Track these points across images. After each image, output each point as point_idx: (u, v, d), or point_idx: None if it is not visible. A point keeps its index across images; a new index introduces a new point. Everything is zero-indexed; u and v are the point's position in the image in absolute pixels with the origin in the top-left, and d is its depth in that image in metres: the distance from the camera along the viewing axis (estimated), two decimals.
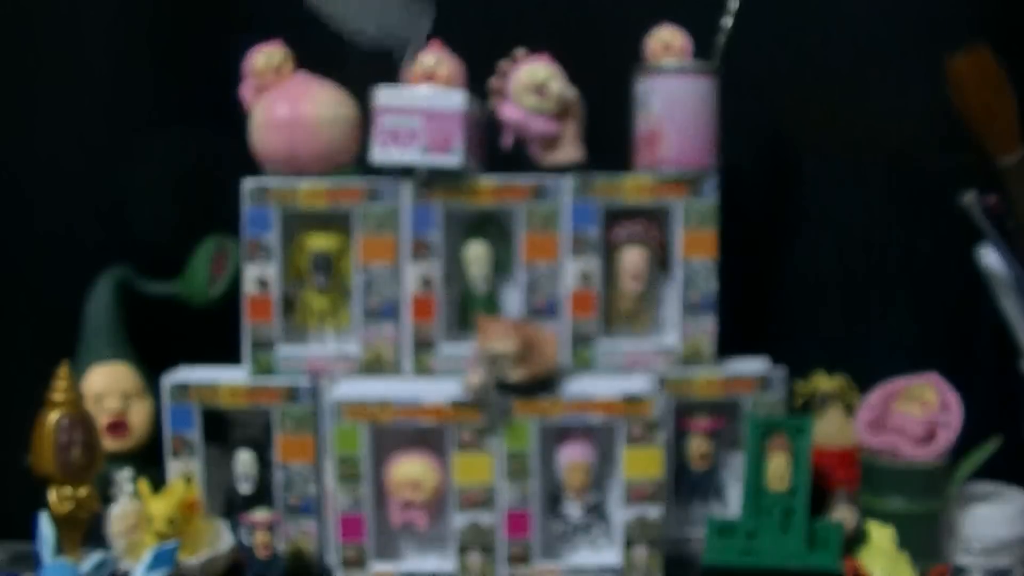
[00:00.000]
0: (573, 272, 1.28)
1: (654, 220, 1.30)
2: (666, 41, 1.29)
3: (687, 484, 1.32)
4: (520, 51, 1.29)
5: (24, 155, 1.41)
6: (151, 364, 1.35)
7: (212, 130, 1.39)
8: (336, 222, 1.29)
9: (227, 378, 1.28)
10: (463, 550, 1.23)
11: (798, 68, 1.39)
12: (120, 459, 1.30)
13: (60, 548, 1.13)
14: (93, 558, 1.10)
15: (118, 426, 1.33)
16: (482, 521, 1.22)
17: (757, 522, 1.23)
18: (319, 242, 1.29)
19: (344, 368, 1.29)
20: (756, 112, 1.38)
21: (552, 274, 1.28)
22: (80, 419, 1.16)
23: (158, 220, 1.43)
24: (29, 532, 1.14)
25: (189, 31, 1.41)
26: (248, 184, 1.28)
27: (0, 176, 1.41)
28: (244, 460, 1.29)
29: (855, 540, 1.22)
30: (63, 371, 1.16)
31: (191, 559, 1.18)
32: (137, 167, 1.42)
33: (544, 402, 1.21)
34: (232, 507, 1.30)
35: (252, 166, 1.29)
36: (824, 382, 1.34)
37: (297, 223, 1.30)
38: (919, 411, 1.22)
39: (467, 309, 1.31)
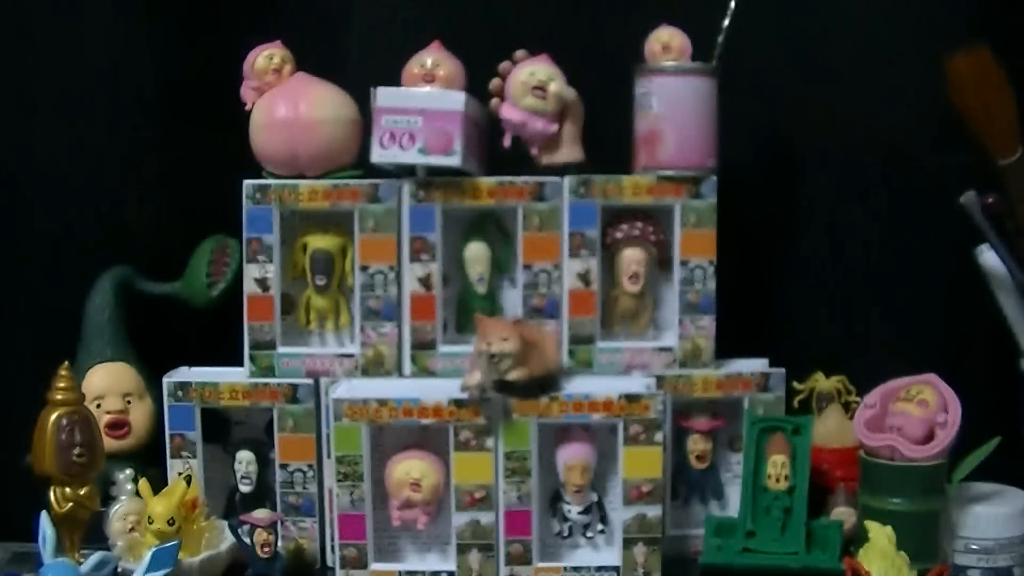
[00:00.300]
0: (572, 272, 1.28)
1: (654, 220, 1.30)
2: (666, 41, 1.29)
3: (686, 484, 1.32)
4: (520, 52, 1.29)
5: (24, 155, 1.41)
6: (151, 364, 1.35)
7: (212, 130, 1.39)
8: (336, 222, 1.29)
9: (227, 378, 1.28)
10: (463, 550, 1.23)
11: (798, 68, 1.39)
12: (120, 459, 1.30)
13: (60, 548, 1.13)
14: (93, 558, 1.10)
15: (118, 426, 1.33)
16: (482, 521, 1.22)
17: (756, 522, 1.24)
18: (319, 242, 1.30)
19: (344, 368, 1.29)
20: (756, 112, 1.38)
21: (551, 274, 1.28)
22: (80, 419, 1.15)
23: (158, 220, 1.43)
24: (29, 532, 1.14)
25: (189, 31, 1.41)
26: (248, 184, 1.28)
27: (0, 176, 1.41)
28: (244, 460, 1.29)
29: (854, 540, 1.22)
30: (63, 371, 1.16)
31: (191, 559, 1.18)
32: (137, 167, 1.42)
33: (543, 402, 1.21)
34: (232, 507, 1.30)
35: (252, 166, 1.29)
36: (823, 382, 1.34)
37: (297, 223, 1.30)
38: (918, 411, 1.22)
39: (467, 309, 1.31)
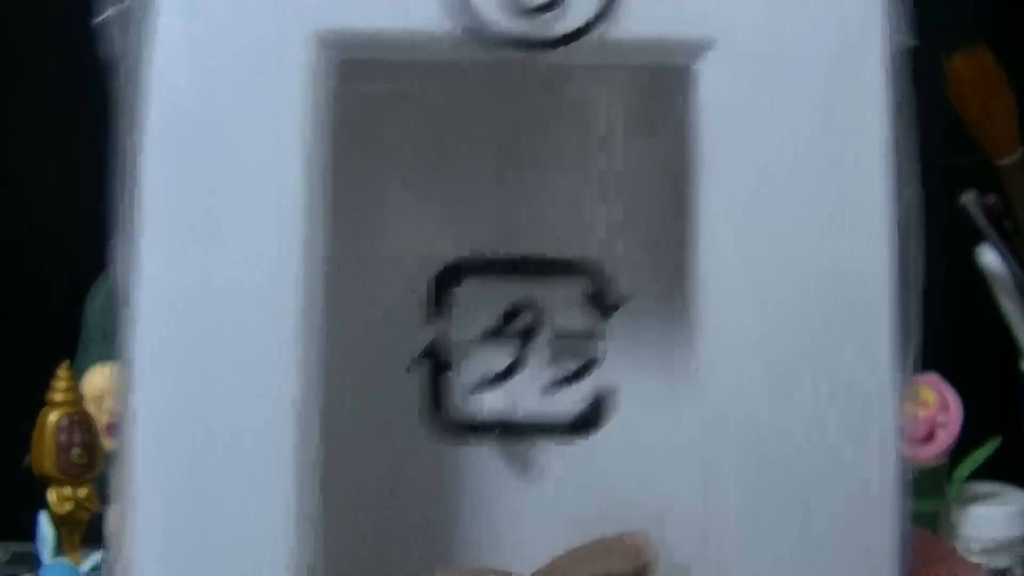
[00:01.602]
0: None
1: None
2: None
3: None
4: None
5: (24, 154, 1.41)
6: None
7: None
8: None
9: None
10: None
11: None
12: None
13: (60, 548, 1.13)
14: (93, 558, 1.10)
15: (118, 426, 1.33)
16: None
17: None
18: None
19: None
20: None
21: None
22: (80, 419, 1.15)
23: None
24: (29, 532, 1.14)
25: None
26: None
27: (0, 176, 1.41)
28: None
29: None
30: (63, 371, 1.16)
31: None
32: None
33: None
34: None
35: None
36: None
37: None
38: (918, 411, 1.22)
39: None
